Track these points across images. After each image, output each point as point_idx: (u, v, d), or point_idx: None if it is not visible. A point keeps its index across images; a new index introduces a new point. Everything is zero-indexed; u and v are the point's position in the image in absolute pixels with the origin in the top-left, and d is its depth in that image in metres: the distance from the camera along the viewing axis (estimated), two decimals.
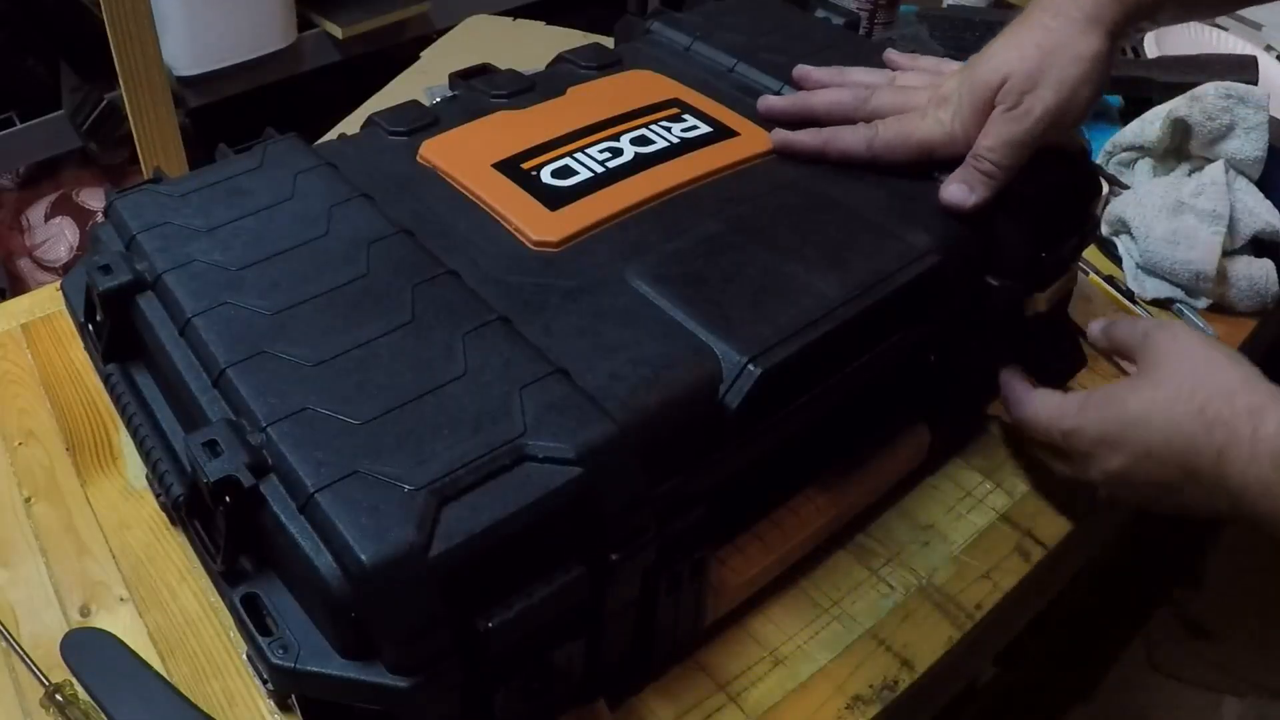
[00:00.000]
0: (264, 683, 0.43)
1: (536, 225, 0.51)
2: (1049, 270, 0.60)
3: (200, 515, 0.43)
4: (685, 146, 0.57)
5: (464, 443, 0.40)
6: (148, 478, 0.54)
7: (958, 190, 0.54)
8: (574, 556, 0.41)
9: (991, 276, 0.56)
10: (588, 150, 0.56)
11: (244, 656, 0.50)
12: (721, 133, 0.58)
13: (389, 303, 0.45)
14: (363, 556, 0.36)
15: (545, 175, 0.54)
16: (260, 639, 0.40)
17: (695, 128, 0.59)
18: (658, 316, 0.47)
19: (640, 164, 0.55)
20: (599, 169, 0.55)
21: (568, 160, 0.55)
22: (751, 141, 0.58)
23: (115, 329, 0.50)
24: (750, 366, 0.44)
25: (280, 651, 0.40)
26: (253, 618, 0.41)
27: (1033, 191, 0.56)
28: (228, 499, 0.39)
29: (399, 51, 1.50)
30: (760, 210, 0.53)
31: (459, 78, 0.65)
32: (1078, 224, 0.59)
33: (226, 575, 0.42)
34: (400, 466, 0.39)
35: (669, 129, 0.58)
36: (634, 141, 0.57)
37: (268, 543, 0.40)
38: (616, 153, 0.56)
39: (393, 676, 0.38)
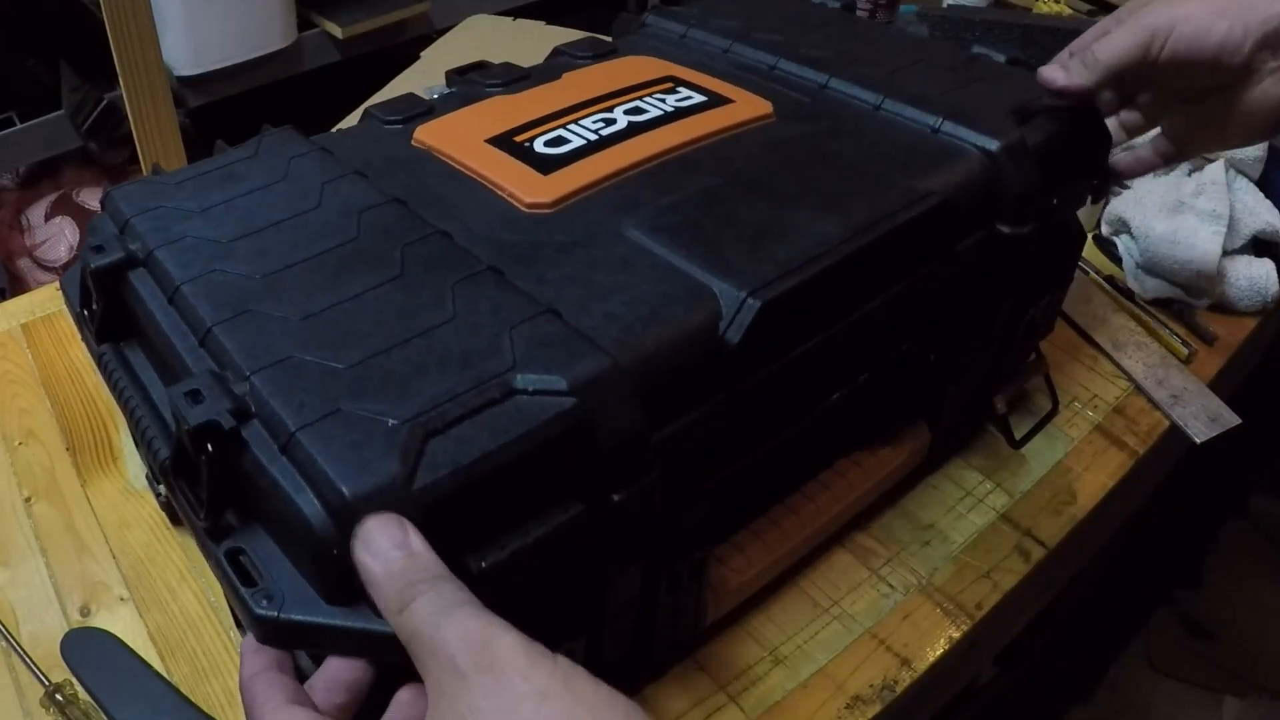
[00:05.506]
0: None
1: (529, 188, 0.50)
2: (1060, 217, 0.59)
3: (186, 475, 0.41)
4: (680, 114, 0.56)
5: (450, 379, 0.39)
6: (142, 457, 0.53)
7: (1052, 70, 0.57)
8: (572, 495, 0.39)
9: (1002, 224, 0.55)
10: (581, 121, 0.55)
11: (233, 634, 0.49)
12: (717, 100, 0.57)
13: (378, 261, 0.45)
14: (344, 489, 0.35)
15: (538, 145, 0.53)
16: (243, 589, 0.38)
17: (690, 98, 0.58)
18: (654, 262, 0.46)
19: (634, 130, 0.54)
20: (592, 136, 0.54)
21: (561, 131, 0.54)
22: (748, 107, 0.57)
23: (108, 308, 0.49)
24: (750, 300, 0.43)
25: (264, 601, 0.38)
26: (237, 572, 0.39)
27: (1043, 137, 0.55)
28: (210, 447, 0.38)
29: (399, 51, 1.51)
30: (758, 165, 0.52)
31: (455, 74, 0.65)
32: (1088, 169, 0.58)
33: (211, 532, 0.40)
34: (384, 403, 0.38)
35: (663, 100, 0.57)
36: (628, 112, 0.56)
37: (251, 490, 0.39)
38: (610, 122, 0.55)
39: (380, 621, 0.36)
